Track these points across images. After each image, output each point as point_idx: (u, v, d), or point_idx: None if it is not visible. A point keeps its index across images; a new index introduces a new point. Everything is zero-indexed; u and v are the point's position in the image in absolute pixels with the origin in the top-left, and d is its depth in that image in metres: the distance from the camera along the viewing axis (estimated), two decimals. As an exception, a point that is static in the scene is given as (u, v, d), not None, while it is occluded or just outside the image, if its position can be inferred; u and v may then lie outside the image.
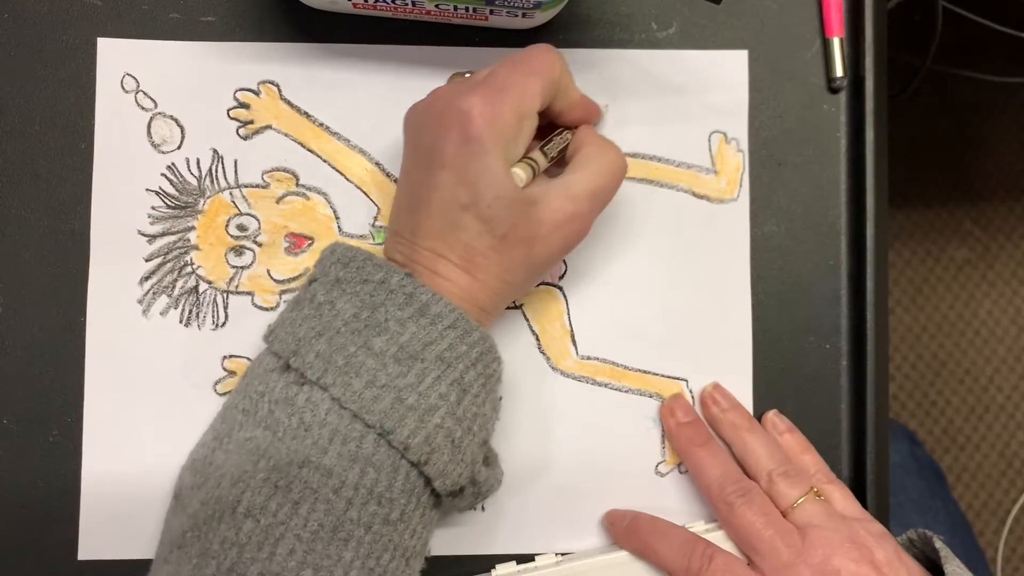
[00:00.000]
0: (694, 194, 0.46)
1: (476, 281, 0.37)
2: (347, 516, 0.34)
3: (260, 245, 0.44)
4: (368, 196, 0.45)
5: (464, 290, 0.37)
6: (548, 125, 0.41)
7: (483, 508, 0.42)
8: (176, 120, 0.44)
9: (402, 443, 0.34)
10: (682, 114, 0.46)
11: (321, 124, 0.45)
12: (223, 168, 0.44)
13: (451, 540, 0.44)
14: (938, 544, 0.41)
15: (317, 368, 0.34)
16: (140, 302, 0.44)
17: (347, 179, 0.45)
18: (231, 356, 0.44)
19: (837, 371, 0.46)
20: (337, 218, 0.45)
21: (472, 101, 0.36)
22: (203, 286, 0.44)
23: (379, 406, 0.34)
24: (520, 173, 0.37)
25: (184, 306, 0.44)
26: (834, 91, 0.46)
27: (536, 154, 0.39)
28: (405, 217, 0.38)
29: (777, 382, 0.46)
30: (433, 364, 0.35)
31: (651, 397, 0.45)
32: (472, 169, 0.35)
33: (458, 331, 0.35)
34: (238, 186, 0.44)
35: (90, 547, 0.43)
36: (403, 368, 0.34)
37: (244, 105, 0.45)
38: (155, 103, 0.44)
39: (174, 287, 0.44)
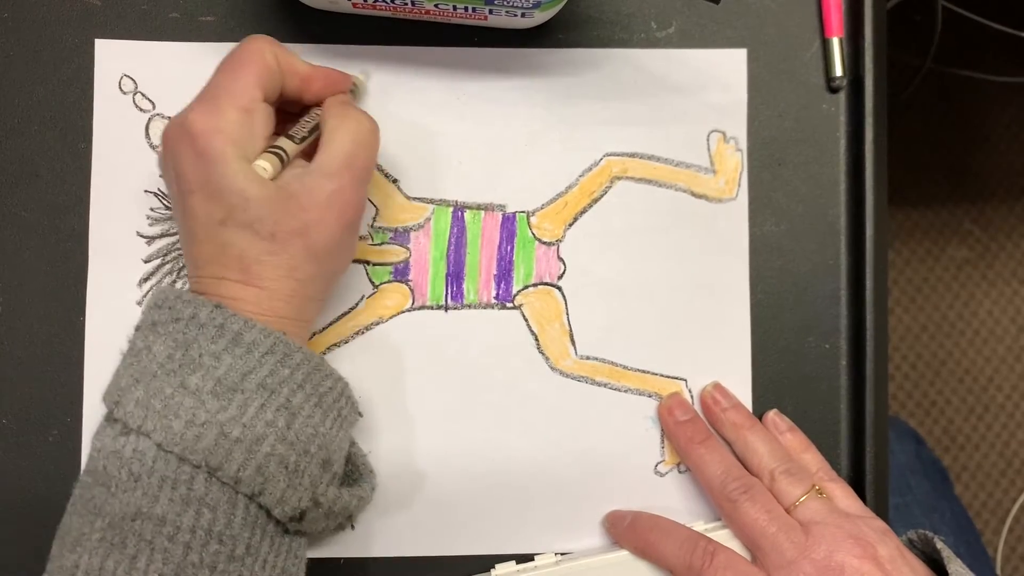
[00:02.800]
0: (693, 193, 0.46)
1: (264, 291, 0.36)
2: (187, 561, 0.33)
3: (259, 245, 0.44)
4: (367, 196, 0.45)
5: (255, 304, 0.36)
6: (304, 110, 0.40)
7: (352, 527, 0.40)
8: (175, 120, 0.44)
9: (232, 477, 0.33)
10: (681, 113, 0.46)
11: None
12: (222, 168, 0.44)
13: (451, 540, 0.44)
14: (939, 545, 0.41)
15: (137, 416, 0.34)
16: (139, 304, 0.44)
17: (346, 179, 0.45)
18: (230, 356, 0.44)
19: (837, 371, 0.46)
20: (336, 218, 0.45)
21: (191, 117, 0.35)
22: (202, 286, 0.44)
23: (202, 444, 0.33)
24: (264, 165, 0.36)
25: (183, 306, 0.44)
26: (834, 91, 0.46)
27: (282, 141, 0.37)
28: (185, 253, 0.37)
29: (776, 382, 0.46)
30: (255, 393, 0.34)
31: (650, 397, 0.45)
32: (214, 182, 0.35)
33: (277, 356, 0.35)
34: (237, 186, 0.44)
35: (89, 547, 0.43)
36: (223, 402, 0.34)
37: (243, 105, 0.45)
38: (153, 104, 0.44)
39: (173, 287, 0.44)
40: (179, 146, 0.36)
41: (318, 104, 0.40)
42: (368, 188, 0.44)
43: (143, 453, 0.33)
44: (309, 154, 0.38)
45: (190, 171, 0.35)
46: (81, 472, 0.36)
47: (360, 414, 0.39)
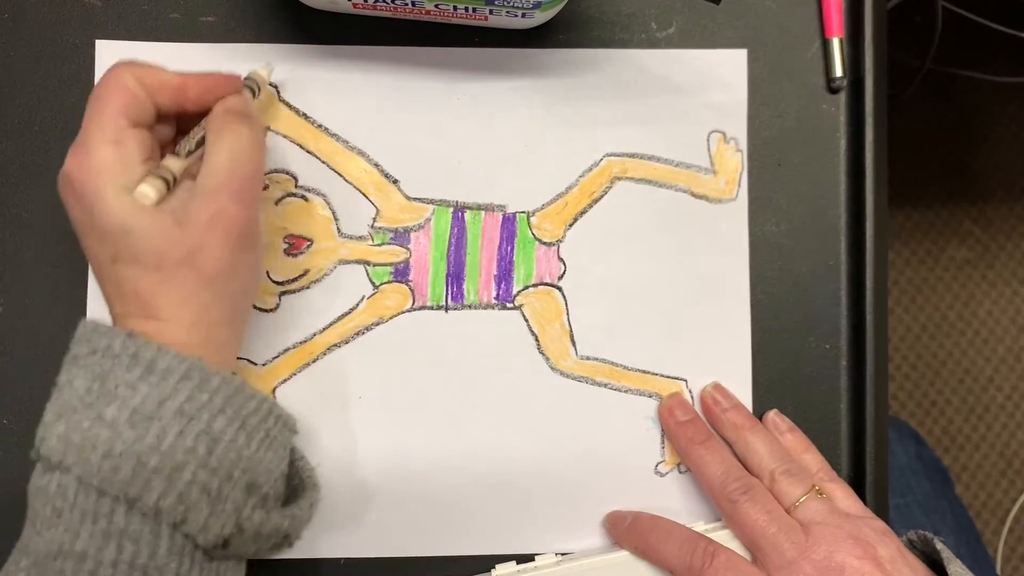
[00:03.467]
0: (693, 194, 0.46)
1: (163, 322, 0.35)
2: None
3: (260, 245, 0.44)
4: (367, 197, 0.45)
5: (158, 336, 0.35)
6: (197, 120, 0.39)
7: (290, 545, 0.38)
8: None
9: (152, 507, 0.33)
10: (681, 114, 0.46)
11: (320, 125, 0.45)
12: (223, 168, 0.44)
13: (451, 540, 0.44)
14: (939, 545, 0.41)
15: (58, 451, 0.33)
16: (140, 303, 0.44)
17: (346, 180, 0.45)
18: (231, 356, 0.44)
19: (837, 371, 0.46)
20: (336, 219, 0.45)
21: (66, 164, 0.35)
22: (203, 286, 0.44)
23: (120, 476, 0.33)
24: (146, 191, 0.35)
25: (184, 307, 0.44)
26: (834, 91, 0.46)
27: (168, 160, 0.37)
28: (101, 295, 0.37)
29: (777, 382, 0.46)
30: (173, 420, 0.33)
31: (651, 397, 0.45)
32: (96, 222, 0.35)
33: (194, 381, 0.34)
34: (238, 186, 0.44)
35: (90, 548, 0.43)
36: (139, 431, 0.33)
37: (243, 105, 0.45)
38: (154, 104, 0.44)
39: (174, 288, 0.44)
40: (64, 195, 0.36)
41: (206, 112, 0.38)
42: (368, 188, 0.45)
43: (65, 488, 0.33)
44: None
45: (77, 216, 0.35)
46: None
47: (295, 431, 0.38)
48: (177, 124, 0.39)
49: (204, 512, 0.34)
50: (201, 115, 0.38)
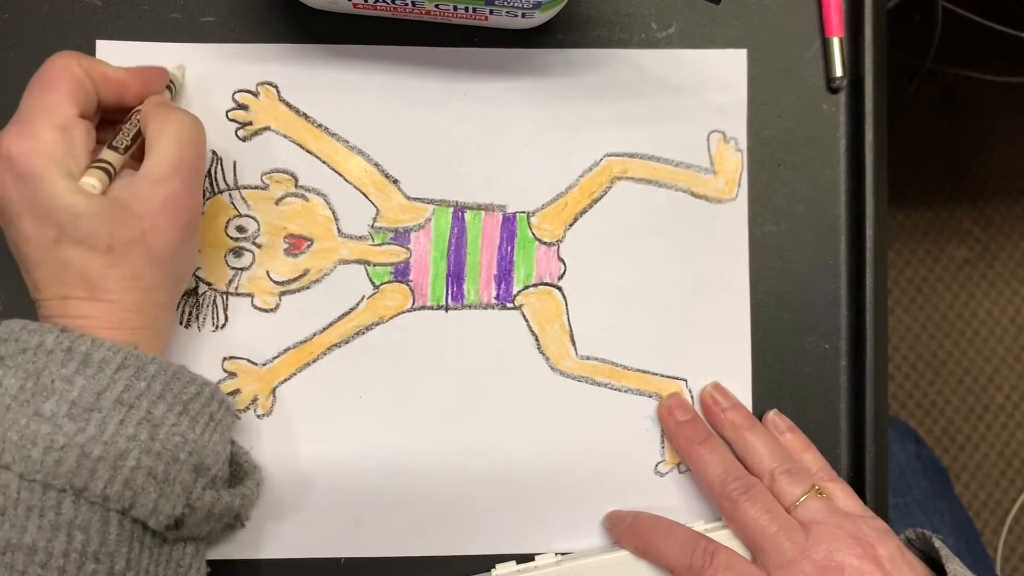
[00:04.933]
0: (693, 194, 0.46)
1: (112, 304, 0.36)
2: None
3: (259, 246, 0.44)
4: (367, 196, 0.45)
5: (106, 318, 0.35)
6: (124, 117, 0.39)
7: (243, 525, 0.40)
8: (176, 121, 0.44)
9: (100, 495, 0.33)
10: (681, 114, 0.46)
11: (320, 125, 0.45)
12: (222, 169, 0.44)
13: (451, 540, 0.44)
14: (937, 543, 0.41)
15: None
16: (140, 303, 0.44)
17: (346, 180, 0.45)
18: (231, 358, 0.44)
19: (837, 371, 0.46)
20: (336, 219, 0.45)
21: (5, 141, 0.35)
22: (202, 287, 0.44)
23: (64, 468, 0.33)
24: (91, 182, 0.36)
25: (184, 308, 0.44)
26: (834, 91, 0.46)
27: (106, 153, 0.37)
28: (26, 279, 0.37)
29: (776, 382, 0.46)
30: (112, 410, 0.34)
31: (650, 397, 0.45)
32: (40, 204, 0.34)
33: (130, 370, 0.35)
34: (237, 187, 0.44)
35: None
36: (80, 423, 0.33)
37: (243, 106, 0.45)
38: (155, 104, 0.44)
39: (174, 288, 0.44)
40: None
41: (139, 105, 0.40)
42: (367, 188, 0.45)
43: (6, 486, 0.33)
44: (138, 158, 0.38)
45: (14, 195, 0.35)
46: None
47: (238, 416, 0.39)
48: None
49: (152, 496, 0.34)
50: (125, 110, 0.39)
